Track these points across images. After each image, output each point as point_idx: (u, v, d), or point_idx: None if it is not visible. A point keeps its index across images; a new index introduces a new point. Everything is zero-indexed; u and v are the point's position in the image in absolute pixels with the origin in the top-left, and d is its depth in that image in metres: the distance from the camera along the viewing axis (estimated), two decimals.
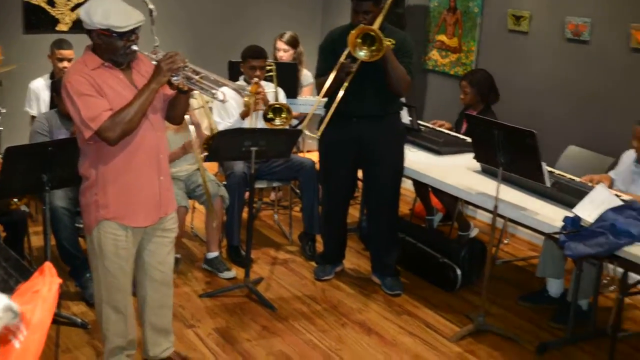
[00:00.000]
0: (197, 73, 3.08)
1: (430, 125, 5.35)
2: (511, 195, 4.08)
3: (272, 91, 5.00)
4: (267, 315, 4.20)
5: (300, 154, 6.21)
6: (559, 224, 3.66)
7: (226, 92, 4.93)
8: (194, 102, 4.69)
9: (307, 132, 4.43)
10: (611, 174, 4.38)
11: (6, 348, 1.77)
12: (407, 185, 5.50)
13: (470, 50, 6.06)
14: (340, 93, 4.19)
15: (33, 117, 5.11)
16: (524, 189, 4.17)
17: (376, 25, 4.03)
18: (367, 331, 4.09)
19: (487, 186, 4.15)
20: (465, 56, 6.10)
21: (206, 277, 4.63)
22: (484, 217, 5.86)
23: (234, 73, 5.34)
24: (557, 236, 3.70)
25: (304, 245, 5.07)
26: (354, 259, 5.02)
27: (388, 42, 4.13)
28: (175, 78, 3.06)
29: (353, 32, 3.97)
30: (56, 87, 4.50)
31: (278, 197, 5.95)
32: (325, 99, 4.38)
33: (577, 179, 4.22)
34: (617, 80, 5.00)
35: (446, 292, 4.60)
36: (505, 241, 5.50)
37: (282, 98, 5.09)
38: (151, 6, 4.20)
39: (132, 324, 3.40)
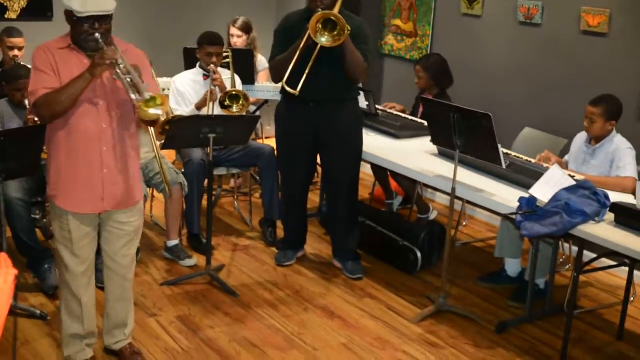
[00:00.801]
0: (127, 73, 3.01)
1: (388, 110, 5.38)
2: (468, 177, 4.14)
3: (228, 78, 4.97)
4: (229, 301, 4.20)
5: (259, 140, 6.21)
6: (515, 204, 3.72)
7: (178, 81, 4.94)
8: None
9: (288, 89, 4.31)
10: (566, 157, 4.47)
11: None
12: (366, 169, 5.53)
13: (425, 35, 6.10)
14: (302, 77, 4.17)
15: None
16: (480, 171, 4.23)
17: (336, 10, 4.02)
18: (330, 315, 4.12)
19: (445, 169, 4.20)
20: (421, 40, 6.15)
21: (167, 265, 4.61)
22: (443, 199, 5.94)
23: (189, 60, 5.29)
24: (513, 216, 3.77)
25: (265, 231, 5.08)
26: (315, 244, 5.04)
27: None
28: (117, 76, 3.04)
29: (314, 17, 3.96)
30: (6, 76, 4.41)
31: (237, 184, 5.93)
32: (279, 85, 4.36)
33: (533, 160, 4.29)
34: (568, 62, 5.09)
35: (407, 275, 4.65)
36: (464, 223, 5.58)
37: (239, 84, 5.06)
38: None
39: (89, 312, 3.39)
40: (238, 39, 5.78)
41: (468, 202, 5.19)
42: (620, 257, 3.76)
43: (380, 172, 5.42)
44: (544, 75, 5.25)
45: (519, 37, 5.40)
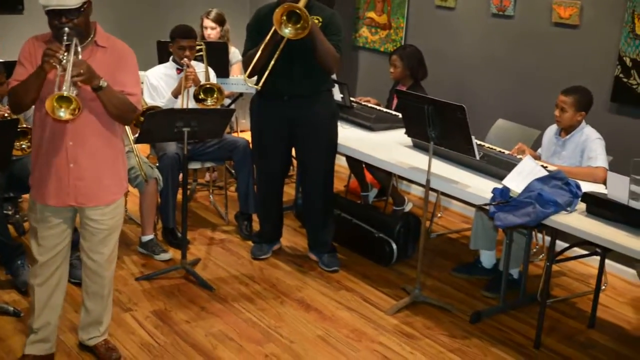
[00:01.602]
0: (65, 70, 2.94)
1: (363, 103, 5.39)
2: (443, 169, 4.16)
3: (202, 71, 4.95)
4: (205, 296, 4.20)
5: (234, 134, 6.19)
6: (489, 195, 3.75)
7: (151, 75, 4.90)
8: None
9: (248, 84, 4.34)
10: (539, 151, 4.52)
11: None
12: (341, 162, 5.55)
13: (400, 27, 6.12)
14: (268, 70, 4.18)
15: None
16: (455, 163, 4.26)
17: (302, 3, 4.02)
18: (306, 308, 4.13)
19: (419, 161, 4.23)
20: (395, 33, 6.16)
21: (142, 260, 4.59)
22: (418, 191, 5.97)
23: (162, 53, 5.26)
24: (487, 207, 3.80)
25: (240, 225, 5.07)
26: (291, 237, 5.04)
27: (315, 20, 4.14)
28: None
29: (278, 9, 3.96)
30: None
31: (213, 178, 5.91)
32: (254, 79, 4.36)
33: (506, 152, 4.33)
34: (540, 54, 5.13)
35: (383, 267, 4.68)
36: (439, 214, 5.61)
37: (213, 78, 5.04)
38: None
39: (40, 308, 3.35)
40: (212, 32, 5.75)
41: (443, 193, 5.22)
42: (592, 246, 3.82)
43: (356, 164, 5.44)
44: (517, 67, 5.29)
45: (492, 29, 5.44)
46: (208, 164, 5.21)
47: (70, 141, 3.14)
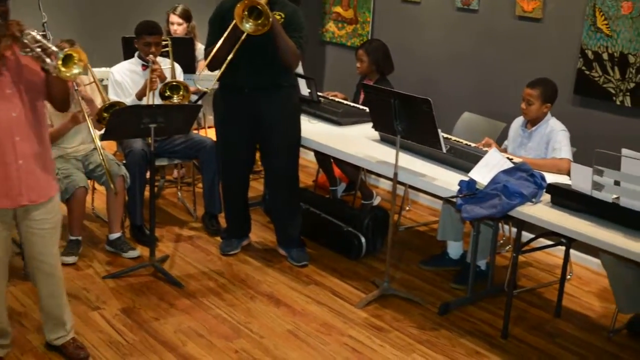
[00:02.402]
0: (36, 42, 2.88)
1: (331, 97, 5.40)
2: (410, 163, 4.19)
3: (168, 67, 4.91)
4: (175, 292, 4.18)
5: (202, 130, 6.16)
6: (456, 188, 3.78)
7: (116, 72, 4.86)
8: (84, 78, 4.56)
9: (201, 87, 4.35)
10: (505, 143, 4.57)
11: None
12: (309, 157, 5.55)
13: (366, 22, 6.13)
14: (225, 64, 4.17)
15: None
16: (422, 156, 4.29)
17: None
18: (276, 303, 4.13)
19: (387, 154, 4.25)
20: (361, 27, 6.18)
21: (109, 258, 4.55)
22: (386, 185, 6.00)
23: (128, 50, 5.21)
24: (454, 200, 3.83)
25: (207, 224, 5.04)
26: (260, 232, 5.04)
27: (277, 16, 4.14)
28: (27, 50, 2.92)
29: (239, 4, 3.95)
30: None
31: (181, 175, 5.88)
32: (217, 73, 4.34)
33: (472, 145, 4.37)
34: (505, 47, 5.18)
35: (352, 260, 4.70)
36: (407, 208, 5.65)
37: (179, 74, 5.01)
38: None
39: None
40: (179, 27, 5.72)
41: (411, 187, 5.25)
42: (557, 236, 3.87)
43: (324, 159, 5.45)
44: (482, 61, 5.34)
45: (457, 23, 5.48)
46: (176, 161, 5.18)
47: (17, 137, 3.04)
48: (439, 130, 3.84)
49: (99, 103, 4.49)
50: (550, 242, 4.24)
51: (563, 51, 4.82)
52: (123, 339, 3.69)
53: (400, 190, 5.36)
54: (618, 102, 4.56)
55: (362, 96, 5.32)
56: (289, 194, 4.59)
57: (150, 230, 4.37)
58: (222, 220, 5.01)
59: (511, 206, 3.58)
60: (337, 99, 5.38)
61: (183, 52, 5.31)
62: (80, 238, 4.53)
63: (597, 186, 3.44)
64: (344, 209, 5.06)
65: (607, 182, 3.41)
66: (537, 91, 4.24)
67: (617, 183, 3.39)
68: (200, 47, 5.79)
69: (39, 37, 2.89)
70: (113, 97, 4.76)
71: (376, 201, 5.56)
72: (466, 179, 3.81)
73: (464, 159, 4.08)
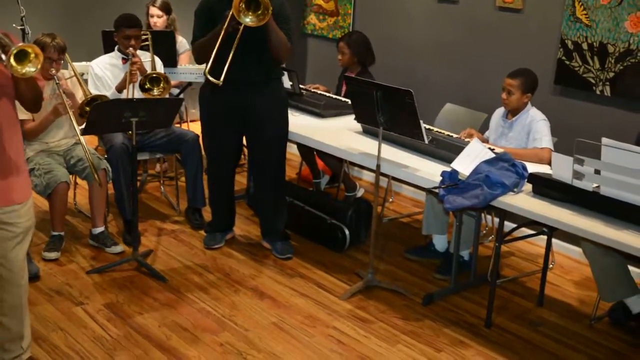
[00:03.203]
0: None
1: (313, 90, 5.40)
2: (393, 154, 4.20)
3: (148, 61, 4.88)
4: (159, 287, 4.17)
5: (184, 124, 6.14)
6: (439, 179, 3.80)
7: (96, 65, 4.82)
8: (65, 72, 4.53)
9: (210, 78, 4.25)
10: (486, 134, 4.59)
11: None
12: (292, 149, 5.55)
13: (347, 14, 6.13)
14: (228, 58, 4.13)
15: None
16: (404, 147, 4.30)
17: None
18: (260, 296, 4.13)
19: (370, 146, 4.25)
20: (343, 19, 6.18)
21: (93, 253, 4.53)
22: (370, 177, 6.01)
23: (108, 43, 5.17)
24: (436, 190, 3.85)
25: (191, 218, 5.02)
26: (244, 226, 5.03)
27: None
28: None
29: None
30: None
31: (164, 169, 5.86)
32: (202, 67, 4.32)
33: (454, 135, 4.39)
34: (485, 38, 5.20)
35: (336, 253, 4.71)
36: (390, 199, 5.66)
37: (160, 67, 4.98)
38: None
39: None
40: (158, 20, 5.69)
41: (394, 178, 5.27)
42: (539, 226, 3.90)
43: (307, 151, 5.45)
44: (463, 52, 5.36)
45: (438, 14, 5.49)
46: (158, 155, 5.16)
47: None
48: (421, 122, 3.85)
49: (80, 97, 4.46)
50: (532, 232, 4.26)
51: (543, 41, 4.85)
52: (107, 334, 3.68)
53: (384, 182, 5.37)
54: (598, 92, 4.60)
55: (344, 88, 5.32)
56: (275, 188, 4.58)
57: (133, 225, 4.35)
58: (206, 214, 5.00)
59: (493, 196, 3.60)
60: (319, 92, 5.38)
61: (164, 46, 5.29)
62: (62, 233, 4.51)
63: (577, 175, 3.47)
64: (328, 201, 5.07)
65: (587, 171, 3.44)
66: (518, 81, 4.27)
67: (597, 172, 3.42)
68: (181, 40, 5.77)
69: None
70: (93, 91, 4.72)
71: (359, 193, 5.57)
72: (448, 169, 3.82)
73: (446, 150, 4.10)
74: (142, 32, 4.85)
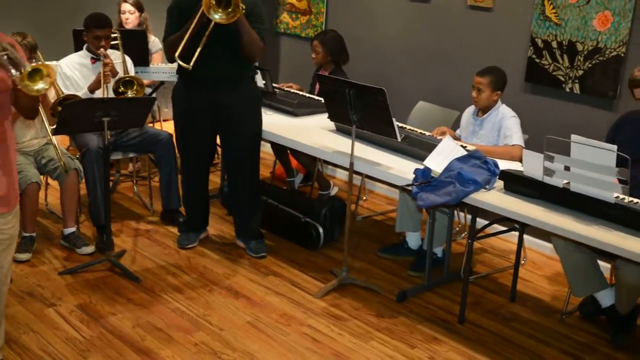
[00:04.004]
0: (3, 50, 2.75)
1: (286, 88, 5.40)
2: (366, 152, 4.22)
3: (119, 62, 4.83)
4: (132, 287, 4.14)
5: (157, 124, 6.11)
6: (412, 176, 3.82)
7: (64, 65, 4.78)
8: None
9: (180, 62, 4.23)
10: (458, 132, 4.63)
11: None
12: (266, 148, 5.54)
13: (320, 12, 6.14)
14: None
15: None
16: (377, 146, 4.32)
17: None
18: (235, 295, 4.13)
19: (343, 144, 4.27)
20: (315, 18, 6.19)
21: (65, 254, 4.49)
22: (343, 175, 6.03)
23: (79, 42, 5.13)
24: (409, 188, 3.87)
25: (169, 218, 4.98)
26: (218, 225, 5.02)
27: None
28: None
29: None
30: None
31: (136, 169, 5.82)
32: (175, 66, 4.30)
33: (427, 133, 4.42)
34: (457, 37, 5.25)
35: (310, 251, 4.72)
36: (364, 197, 5.69)
37: (131, 67, 4.94)
38: None
39: None
40: (131, 16, 5.66)
41: (367, 176, 5.29)
42: (510, 222, 3.94)
43: (281, 150, 5.45)
44: (435, 50, 5.40)
45: (410, 13, 5.52)
46: (131, 155, 5.12)
47: None
48: (394, 120, 3.87)
49: (52, 96, 4.42)
50: (504, 228, 4.31)
51: (513, 40, 4.90)
52: (80, 335, 3.65)
53: (357, 180, 5.39)
54: (567, 89, 4.66)
55: (317, 86, 5.33)
56: (250, 187, 4.58)
57: (106, 225, 4.32)
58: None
59: (465, 193, 3.63)
60: (292, 90, 5.38)
61: (136, 45, 5.25)
62: (34, 234, 4.46)
63: (548, 172, 3.51)
64: (302, 199, 5.08)
65: (557, 168, 3.49)
66: (487, 79, 4.31)
67: (567, 168, 3.47)
68: (153, 40, 5.74)
69: (7, 46, 2.76)
70: (64, 90, 4.68)
71: (333, 191, 5.58)
72: (421, 167, 3.85)
73: (418, 148, 4.12)
74: (111, 32, 4.81)
